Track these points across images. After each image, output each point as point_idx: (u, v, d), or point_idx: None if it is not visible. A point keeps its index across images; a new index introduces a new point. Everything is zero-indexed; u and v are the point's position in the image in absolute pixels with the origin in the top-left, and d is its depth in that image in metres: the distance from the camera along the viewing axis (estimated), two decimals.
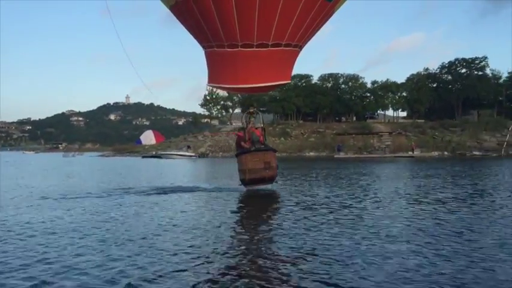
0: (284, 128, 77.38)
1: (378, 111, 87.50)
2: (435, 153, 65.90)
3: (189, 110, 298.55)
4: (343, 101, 79.20)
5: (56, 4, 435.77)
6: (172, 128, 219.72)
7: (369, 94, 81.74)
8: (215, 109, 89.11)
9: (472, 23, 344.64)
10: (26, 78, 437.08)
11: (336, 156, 60.92)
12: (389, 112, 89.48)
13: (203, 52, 15.36)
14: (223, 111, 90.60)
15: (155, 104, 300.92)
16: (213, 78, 15.27)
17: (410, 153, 62.01)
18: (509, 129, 67.33)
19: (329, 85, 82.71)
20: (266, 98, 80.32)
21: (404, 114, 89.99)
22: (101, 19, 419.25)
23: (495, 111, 78.71)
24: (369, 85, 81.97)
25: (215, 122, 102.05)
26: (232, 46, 13.89)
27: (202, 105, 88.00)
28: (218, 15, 13.26)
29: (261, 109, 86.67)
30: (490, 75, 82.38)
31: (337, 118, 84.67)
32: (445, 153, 66.13)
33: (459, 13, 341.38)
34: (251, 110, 17.32)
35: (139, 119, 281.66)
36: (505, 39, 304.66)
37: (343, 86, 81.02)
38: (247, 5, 12.99)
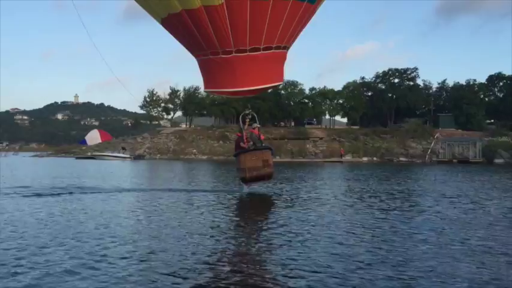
0: (223, 132, 78.44)
1: (320, 117, 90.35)
2: (365, 159, 69.04)
3: (141, 111, 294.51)
4: (282, 106, 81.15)
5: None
6: (122, 129, 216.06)
7: (307, 101, 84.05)
8: (155, 111, 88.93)
9: (424, 35, 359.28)
10: None
11: None
12: (337, 118, 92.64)
13: (196, 60, 16.13)
14: (164, 113, 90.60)
15: (105, 104, 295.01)
16: (210, 83, 15.95)
17: (338, 158, 64.61)
18: (435, 137, 71.21)
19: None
20: (207, 101, 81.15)
21: (345, 121, 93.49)
22: (50, 15, 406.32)
23: (424, 120, 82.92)
24: (307, 92, 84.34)
25: (166, 124, 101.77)
26: (227, 53, 14.68)
27: (142, 107, 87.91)
28: (212, 25, 14.04)
29: (202, 112, 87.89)
30: (422, 85, 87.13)
31: (276, 123, 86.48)
32: (374, 158, 69.34)
33: (412, 25, 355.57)
34: (247, 112, 17.92)
35: (88, 119, 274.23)
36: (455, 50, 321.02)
37: (282, 92, 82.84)
38: (239, 14, 13.87)
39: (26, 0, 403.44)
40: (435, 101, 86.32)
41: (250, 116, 18.14)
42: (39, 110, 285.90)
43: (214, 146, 75.16)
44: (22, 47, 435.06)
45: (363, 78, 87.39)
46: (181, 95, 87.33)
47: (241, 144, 17.52)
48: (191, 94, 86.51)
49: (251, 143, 17.36)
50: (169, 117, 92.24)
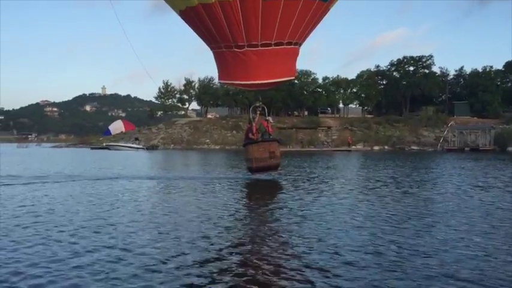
0: (237, 122, 79.45)
1: (337, 107, 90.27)
2: (376, 148, 69.03)
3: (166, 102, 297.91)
4: (295, 96, 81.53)
5: None
6: (148, 120, 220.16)
7: (320, 90, 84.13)
8: (170, 102, 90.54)
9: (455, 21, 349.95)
10: (1, 67, 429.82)
11: None
12: (355, 107, 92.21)
13: (211, 52, 16.88)
14: (180, 104, 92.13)
15: (132, 96, 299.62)
16: (223, 75, 16.81)
17: (347, 147, 64.89)
18: (449, 125, 70.41)
19: None
20: (221, 92, 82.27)
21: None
22: (79, 7, 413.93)
23: (440, 108, 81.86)
24: (320, 81, 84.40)
25: (192, 114, 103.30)
26: (239, 47, 15.43)
27: (157, 98, 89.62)
28: (226, 19, 14.81)
29: (217, 103, 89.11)
30: (439, 73, 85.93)
31: (289, 113, 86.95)
32: (385, 147, 69.27)
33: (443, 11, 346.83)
34: (257, 105, 18.52)
35: (115, 110, 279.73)
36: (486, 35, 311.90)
37: (296, 81, 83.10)
38: (251, 10, 14.56)
39: None
40: (452, 89, 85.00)
41: (260, 109, 18.63)
42: (68, 101, 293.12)
43: (227, 136, 76.28)
44: (51, 39, 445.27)
45: (377, 66, 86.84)
46: (196, 85, 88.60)
47: (250, 135, 18.25)
48: (206, 85, 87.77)
49: (260, 134, 18.08)
50: (188, 107, 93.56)
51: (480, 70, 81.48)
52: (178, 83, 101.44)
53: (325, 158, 42.22)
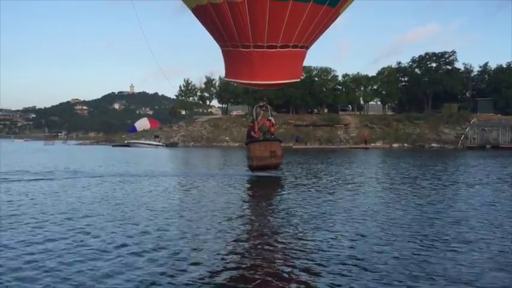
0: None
1: (359, 104, 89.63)
2: (395, 145, 68.45)
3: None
4: (314, 94, 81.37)
5: None
6: (171, 118, 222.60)
7: (340, 87, 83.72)
8: (191, 99, 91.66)
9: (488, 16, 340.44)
10: (33, 67, 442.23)
11: (294, 146, 63.66)
12: (376, 105, 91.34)
13: (220, 50, 17.33)
14: (201, 101, 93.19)
15: (159, 94, 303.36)
16: (230, 73, 17.33)
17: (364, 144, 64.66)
18: (471, 122, 69.14)
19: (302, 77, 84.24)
20: (240, 90, 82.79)
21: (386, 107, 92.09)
22: (110, 7, 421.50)
23: (463, 105, 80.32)
24: (340, 78, 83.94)
25: (217, 111, 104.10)
26: (245, 47, 15.81)
27: (178, 96, 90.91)
28: (233, 19, 15.22)
29: (238, 101, 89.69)
30: (463, 69, 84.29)
31: (309, 110, 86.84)
32: (405, 145, 68.59)
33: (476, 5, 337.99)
34: (261, 104, 19.10)
35: (143, 108, 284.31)
36: None
37: (316, 79, 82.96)
38: (259, 12, 14.89)
39: None
40: (476, 85, 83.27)
41: (264, 108, 19.08)
42: (98, 100, 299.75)
43: (245, 133, 76.80)
44: (83, 39, 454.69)
45: (399, 63, 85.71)
46: (217, 84, 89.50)
47: (252, 133, 18.68)
48: (226, 83, 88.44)
49: (262, 133, 18.46)
50: (210, 104, 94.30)
51: (505, 66, 79.55)
52: (199, 81, 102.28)
53: (336, 155, 42.32)
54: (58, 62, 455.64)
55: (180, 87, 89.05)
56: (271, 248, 7.08)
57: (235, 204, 11.73)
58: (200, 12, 16.07)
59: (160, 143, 69.27)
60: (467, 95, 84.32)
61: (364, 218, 9.53)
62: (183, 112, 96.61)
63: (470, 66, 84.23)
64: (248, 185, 16.55)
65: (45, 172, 20.59)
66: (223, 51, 16.99)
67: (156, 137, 73.63)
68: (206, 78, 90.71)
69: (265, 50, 15.66)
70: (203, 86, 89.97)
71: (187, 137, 77.69)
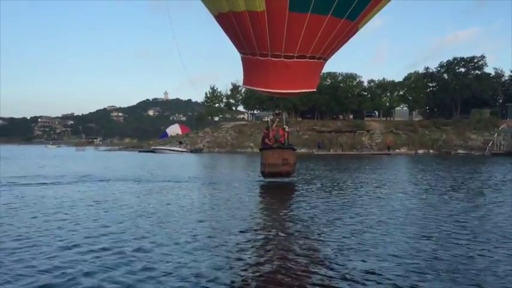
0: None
1: (387, 110, 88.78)
2: (420, 151, 67.52)
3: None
4: (339, 100, 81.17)
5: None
6: (197, 124, 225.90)
7: (365, 93, 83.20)
8: (218, 106, 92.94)
9: None
10: (72, 75, 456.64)
11: (315, 152, 63.70)
12: (405, 111, 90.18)
13: (240, 57, 17.79)
14: (227, 107, 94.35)
15: (193, 100, 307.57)
16: (247, 80, 17.56)
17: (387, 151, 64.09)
18: (500, 128, 67.46)
19: (327, 83, 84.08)
20: (264, 96, 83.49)
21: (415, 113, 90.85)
22: (146, 15, 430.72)
23: (494, 111, 78.36)
24: (365, 84, 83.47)
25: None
26: (263, 55, 16.05)
27: (204, 103, 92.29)
28: (253, 28, 15.51)
29: (263, 107, 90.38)
30: (494, 73, 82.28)
31: (334, 116, 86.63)
32: (431, 151, 67.55)
33: None
34: (277, 112, 19.97)
35: (177, 114, 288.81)
36: None
37: (341, 84, 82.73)
38: (278, 22, 15.16)
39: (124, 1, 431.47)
40: (506, 90, 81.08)
41: (280, 116, 19.57)
42: (133, 106, 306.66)
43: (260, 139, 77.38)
44: (119, 47, 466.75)
45: (427, 68, 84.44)
46: (243, 90, 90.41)
47: (266, 140, 19.14)
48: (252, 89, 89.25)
49: (275, 141, 18.78)
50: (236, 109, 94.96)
51: None
52: (225, 88, 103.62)
53: (354, 161, 42.30)
54: (96, 70, 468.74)
55: (206, 94, 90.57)
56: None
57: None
58: (222, 20, 16.50)
59: (185, 149, 70.58)
60: (500, 101, 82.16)
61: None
62: (216, 118, 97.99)
63: (501, 71, 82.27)
64: (260, 190, 17.02)
65: (56, 176, 21.67)
66: (242, 59, 17.37)
67: (180, 143, 75.03)
68: (232, 84, 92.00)
69: (282, 59, 15.87)
70: (229, 92, 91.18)
71: (213, 143, 78.84)
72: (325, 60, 16.97)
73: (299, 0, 14.46)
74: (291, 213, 11.38)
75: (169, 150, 69.07)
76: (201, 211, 11.31)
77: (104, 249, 7.19)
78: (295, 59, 15.85)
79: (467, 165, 33.61)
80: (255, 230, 9.00)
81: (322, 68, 17.47)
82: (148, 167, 30.47)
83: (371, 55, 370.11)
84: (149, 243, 7.64)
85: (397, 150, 67.64)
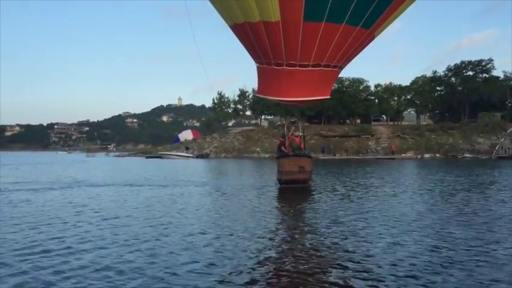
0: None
1: (395, 114, 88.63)
2: (427, 155, 67.25)
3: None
4: (345, 104, 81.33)
5: (118, 5, 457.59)
6: (221, 129, 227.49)
7: (373, 97, 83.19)
8: (225, 112, 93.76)
9: None
10: (87, 82, 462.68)
11: (320, 157, 63.95)
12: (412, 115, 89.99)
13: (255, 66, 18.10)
14: (235, 113, 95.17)
15: (206, 106, 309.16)
16: (261, 89, 17.84)
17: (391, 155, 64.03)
18: (508, 131, 66.90)
19: (333, 88, 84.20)
20: (271, 102, 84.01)
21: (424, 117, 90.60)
22: (160, 20, 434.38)
23: (503, 114, 77.69)
24: (372, 88, 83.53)
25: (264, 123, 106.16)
26: (278, 65, 16.22)
27: (212, 108, 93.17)
28: (268, 38, 15.72)
29: (270, 112, 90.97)
30: (503, 77, 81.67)
31: (341, 121, 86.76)
32: (437, 155, 67.25)
33: None
34: (292, 120, 20.34)
35: (190, 120, 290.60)
36: None
37: (348, 89, 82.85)
38: (292, 32, 15.29)
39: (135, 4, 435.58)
40: None
41: (296, 124, 20.14)
42: (147, 113, 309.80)
43: (277, 143, 77.78)
44: (133, 52, 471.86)
45: (434, 72, 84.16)
46: (250, 96, 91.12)
47: (283, 148, 19.56)
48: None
49: (292, 149, 19.17)
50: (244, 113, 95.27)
51: None
52: (233, 94, 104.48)
53: (357, 165, 42.55)
54: (110, 76, 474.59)
55: (213, 99, 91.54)
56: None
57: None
58: (238, 30, 16.66)
59: (191, 155, 71.41)
60: (509, 104, 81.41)
61: None
62: (230, 123, 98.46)
63: (510, 74, 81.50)
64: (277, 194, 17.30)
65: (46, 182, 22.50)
66: (257, 68, 17.51)
67: (187, 148, 75.98)
68: (240, 90, 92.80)
69: (298, 68, 15.98)
70: (237, 98, 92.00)
71: (220, 148, 79.57)
72: (341, 68, 17.04)
73: (313, 10, 14.51)
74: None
75: (176, 155, 69.99)
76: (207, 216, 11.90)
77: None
78: (310, 68, 15.95)
79: (465, 170, 33.65)
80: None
81: (338, 75, 17.61)
82: (149, 173, 31.18)
83: (386, 59, 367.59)
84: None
85: (403, 155, 67.54)
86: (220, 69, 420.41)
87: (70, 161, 58.00)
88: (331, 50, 15.50)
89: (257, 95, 18.95)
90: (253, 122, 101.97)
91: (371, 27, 15.49)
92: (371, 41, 16.60)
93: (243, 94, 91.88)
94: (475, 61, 79.43)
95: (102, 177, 26.33)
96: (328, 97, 17.91)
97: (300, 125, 20.66)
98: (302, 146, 19.58)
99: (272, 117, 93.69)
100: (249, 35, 16.03)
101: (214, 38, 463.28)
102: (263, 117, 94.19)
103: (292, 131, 19.93)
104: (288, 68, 15.91)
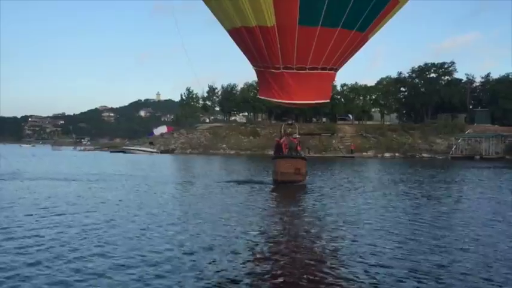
0: (254, 128, 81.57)
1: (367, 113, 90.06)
2: (387, 155, 68.98)
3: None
4: None
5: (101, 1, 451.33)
6: (179, 125, 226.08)
7: (339, 97, 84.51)
8: (193, 107, 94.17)
9: None
10: (63, 74, 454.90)
11: None
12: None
13: (253, 70, 18.30)
14: (203, 110, 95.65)
15: (185, 102, 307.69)
16: (262, 92, 18.16)
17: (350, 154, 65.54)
18: (466, 133, 68.94)
19: None
20: (239, 98, 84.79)
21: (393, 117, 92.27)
22: (138, 16, 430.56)
23: (464, 117, 79.95)
24: (338, 88, 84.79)
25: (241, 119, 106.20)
26: (276, 68, 16.48)
27: (180, 105, 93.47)
28: (265, 42, 15.98)
29: (238, 109, 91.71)
30: (465, 79, 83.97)
31: (307, 119, 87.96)
32: (397, 154, 69.04)
33: None
34: (290, 122, 20.97)
35: (168, 115, 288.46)
36: None
37: None
38: (288, 36, 15.54)
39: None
40: (476, 96, 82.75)
41: (292, 126, 20.80)
42: (125, 107, 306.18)
43: (244, 141, 78.71)
44: (112, 47, 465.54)
45: (400, 73, 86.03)
46: (219, 92, 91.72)
47: (283, 149, 19.94)
48: (228, 92, 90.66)
49: (288, 149, 19.79)
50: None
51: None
52: (202, 90, 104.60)
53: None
54: (88, 70, 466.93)
55: (181, 95, 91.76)
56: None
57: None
58: (235, 35, 17.00)
59: (155, 150, 71.67)
60: (464, 106, 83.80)
61: None
62: (208, 120, 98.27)
63: (473, 77, 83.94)
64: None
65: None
66: (256, 71, 17.95)
67: (151, 143, 76.13)
68: (209, 87, 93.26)
69: (295, 71, 16.28)
70: (205, 94, 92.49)
71: (186, 144, 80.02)
72: (336, 70, 17.37)
73: (308, 14, 14.81)
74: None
75: (139, 150, 70.19)
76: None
77: None
78: (307, 71, 16.28)
79: (410, 168, 34.98)
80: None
81: (334, 77, 17.98)
82: (94, 168, 31.67)
83: (369, 60, 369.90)
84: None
85: (364, 154, 69.16)
86: (207, 66, 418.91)
87: (25, 154, 57.62)
88: (327, 53, 15.90)
89: (260, 97, 19.26)
90: (233, 118, 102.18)
91: (366, 30, 15.92)
92: (365, 42, 17.05)
93: (212, 90, 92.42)
94: (438, 63, 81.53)
95: (42, 170, 26.74)
96: (329, 100, 18.60)
97: (297, 126, 21.10)
98: (299, 148, 20.17)
99: (241, 115, 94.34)
100: (246, 39, 16.39)
101: (200, 35, 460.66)
102: (250, 114, 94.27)
103: (289, 132, 20.68)
104: (286, 71, 16.29)
